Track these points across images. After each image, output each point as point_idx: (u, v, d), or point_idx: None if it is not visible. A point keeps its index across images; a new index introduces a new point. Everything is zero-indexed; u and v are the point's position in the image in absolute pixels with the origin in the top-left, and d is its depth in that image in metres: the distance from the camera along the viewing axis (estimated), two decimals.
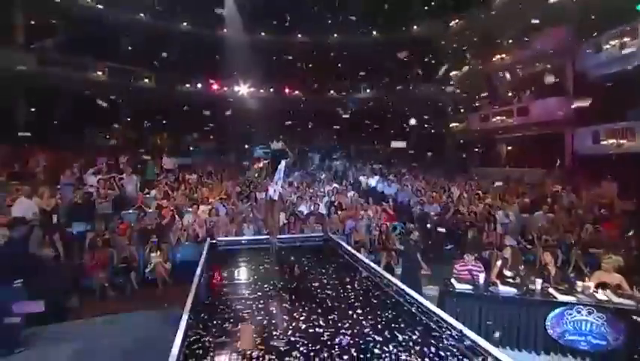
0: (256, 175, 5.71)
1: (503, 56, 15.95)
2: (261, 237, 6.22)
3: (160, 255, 6.19)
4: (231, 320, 2.92)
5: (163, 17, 18.74)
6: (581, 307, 4.37)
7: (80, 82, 16.59)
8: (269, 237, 5.53)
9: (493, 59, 16.36)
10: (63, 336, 4.82)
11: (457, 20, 18.17)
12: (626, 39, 10.53)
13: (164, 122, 22.28)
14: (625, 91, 11.11)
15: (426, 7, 19.85)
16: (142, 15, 18.28)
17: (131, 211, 7.99)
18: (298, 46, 21.55)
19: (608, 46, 11.11)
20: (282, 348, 2.50)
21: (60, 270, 6.27)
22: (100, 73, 17.63)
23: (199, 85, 21.02)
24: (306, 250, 5.26)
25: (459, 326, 2.81)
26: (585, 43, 12.04)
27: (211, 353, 2.46)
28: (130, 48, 19.16)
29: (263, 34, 20.70)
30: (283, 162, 5.19)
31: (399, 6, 20.16)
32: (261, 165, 5.58)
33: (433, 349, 2.56)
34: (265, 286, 3.78)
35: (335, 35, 21.25)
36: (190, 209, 8.15)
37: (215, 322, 2.90)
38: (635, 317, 4.25)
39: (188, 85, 20.72)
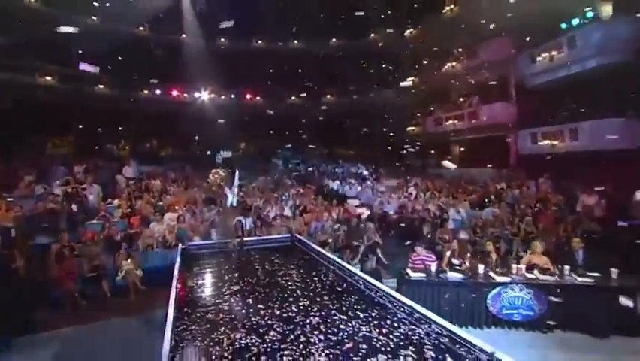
0: (220, 183, 6.22)
1: (454, 63, 17.19)
2: (229, 240, 6.49)
3: (131, 262, 6.27)
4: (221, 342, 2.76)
5: (117, 20, 18.19)
6: (514, 285, 5.13)
7: (27, 87, 15.79)
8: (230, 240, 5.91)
9: (445, 67, 17.57)
10: (32, 349, 4.76)
11: (411, 30, 19.28)
12: (553, 52, 11.89)
13: (119, 129, 21.58)
14: (556, 97, 12.55)
15: (382, 17, 20.91)
16: (94, 18, 17.64)
17: (95, 222, 7.89)
18: (259, 52, 21.73)
19: (540, 58, 12.46)
20: None
21: (21, 284, 6.15)
22: (49, 78, 16.89)
23: (157, 91, 20.58)
24: (274, 250, 5.57)
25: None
26: (523, 53, 13.36)
27: None
28: (81, 52, 18.50)
29: (222, 39, 20.69)
30: (237, 171, 5.70)
31: (357, 15, 21.04)
32: (222, 173, 6.14)
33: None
34: (243, 285, 3.97)
35: (295, 42, 21.69)
36: (156, 216, 8.19)
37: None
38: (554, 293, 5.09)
39: (146, 91, 20.22)
